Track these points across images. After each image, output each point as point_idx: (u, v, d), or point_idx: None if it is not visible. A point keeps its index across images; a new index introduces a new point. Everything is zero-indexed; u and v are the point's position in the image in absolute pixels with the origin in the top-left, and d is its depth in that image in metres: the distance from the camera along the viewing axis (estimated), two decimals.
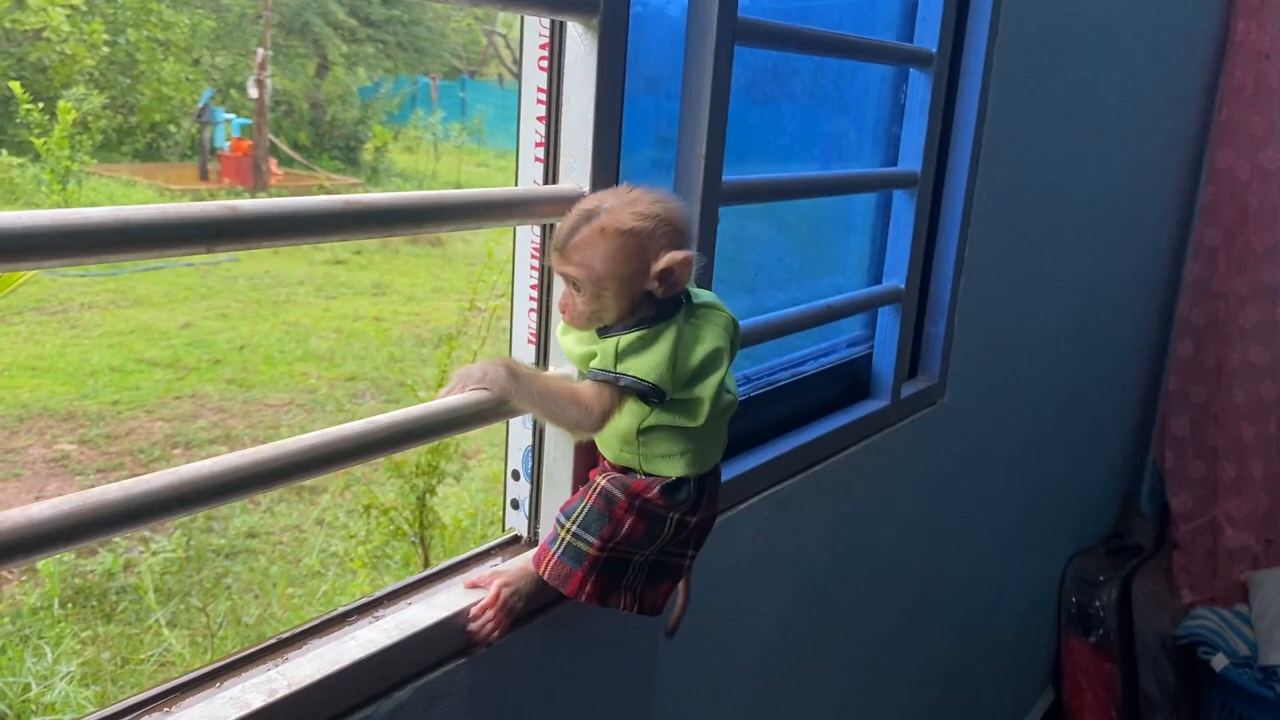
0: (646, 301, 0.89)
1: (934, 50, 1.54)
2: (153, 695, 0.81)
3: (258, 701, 0.79)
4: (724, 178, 1.16)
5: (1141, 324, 3.07)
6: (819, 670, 1.72)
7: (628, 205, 0.87)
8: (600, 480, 0.95)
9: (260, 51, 11.86)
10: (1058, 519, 2.83)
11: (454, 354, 3.45)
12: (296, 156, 12.72)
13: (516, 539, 1.12)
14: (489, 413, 0.91)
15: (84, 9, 10.77)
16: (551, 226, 1.01)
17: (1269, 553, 3.15)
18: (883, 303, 1.64)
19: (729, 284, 1.39)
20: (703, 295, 0.95)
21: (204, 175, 11.48)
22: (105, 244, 0.64)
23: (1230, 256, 3.03)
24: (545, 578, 0.95)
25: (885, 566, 1.85)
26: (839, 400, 1.64)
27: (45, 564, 3.55)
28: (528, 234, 1.03)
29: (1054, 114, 2.07)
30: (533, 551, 1.00)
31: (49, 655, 3.09)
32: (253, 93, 11.68)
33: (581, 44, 0.96)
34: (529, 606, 0.99)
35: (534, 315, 1.04)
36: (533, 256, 1.03)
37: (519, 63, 1.02)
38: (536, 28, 0.98)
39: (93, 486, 0.70)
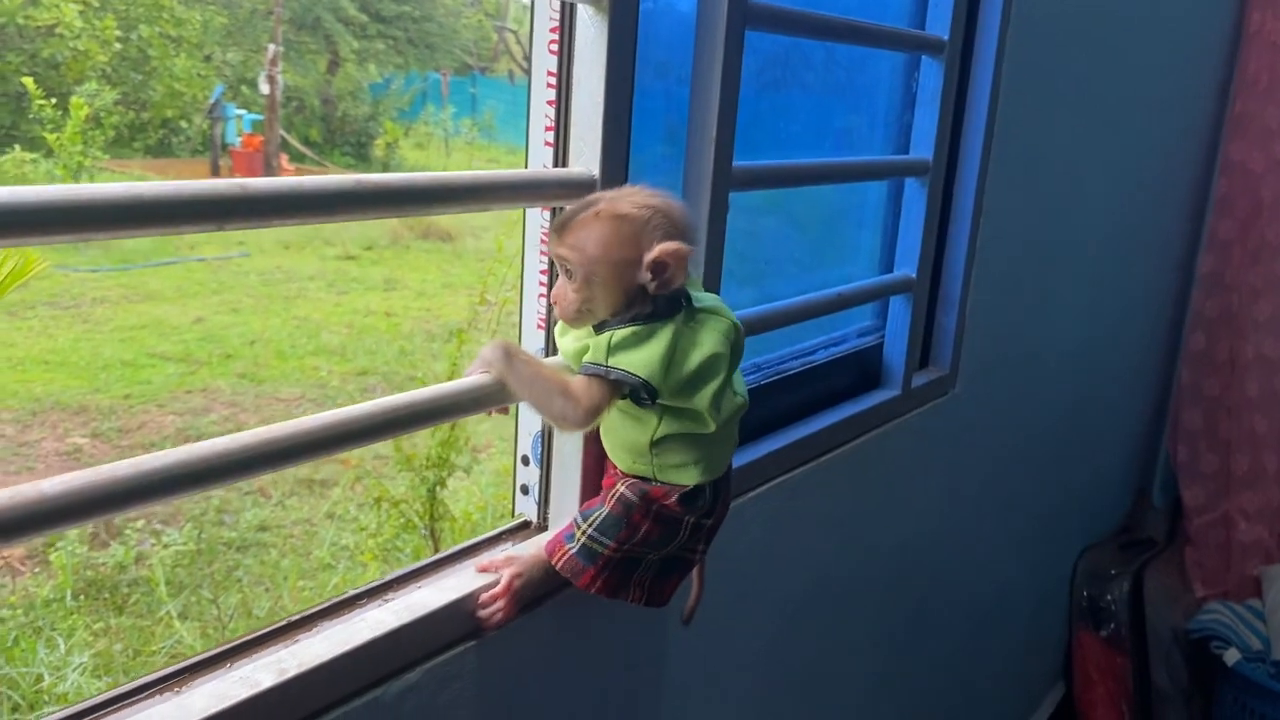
0: (641, 297, 0.87)
1: (946, 38, 1.53)
2: (164, 675, 0.81)
3: (268, 681, 0.79)
4: (735, 163, 1.16)
5: (1154, 316, 3.06)
6: (828, 660, 1.71)
7: (627, 195, 0.87)
8: (620, 487, 0.94)
9: (271, 47, 11.88)
10: (1069, 512, 2.82)
11: (464, 348, 3.46)
12: (308, 152, 12.76)
13: (526, 524, 1.12)
14: (489, 397, 0.91)
15: (96, 5, 10.82)
16: (561, 207, 1.01)
17: None
18: (894, 291, 1.63)
19: (739, 277, 1.39)
20: (705, 299, 0.93)
21: (215, 171, 11.53)
22: (118, 220, 0.64)
23: (1244, 249, 3.01)
24: (558, 568, 0.96)
25: (895, 557, 1.85)
26: (849, 390, 1.64)
27: (58, 556, 3.57)
28: (538, 218, 1.03)
29: (1066, 105, 2.06)
30: (546, 537, 1.00)
31: (61, 646, 3.11)
32: (264, 89, 11.72)
33: (592, 27, 0.96)
34: (537, 594, 0.99)
35: (543, 300, 1.04)
36: (542, 241, 1.02)
37: (529, 50, 1.02)
38: (547, 11, 0.97)
39: None
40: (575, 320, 0.89)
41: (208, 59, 12.69)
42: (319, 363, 6.04)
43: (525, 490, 1.12)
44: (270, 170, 11.26)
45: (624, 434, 0.94)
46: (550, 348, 1.04)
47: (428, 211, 0.81)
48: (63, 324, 6.25)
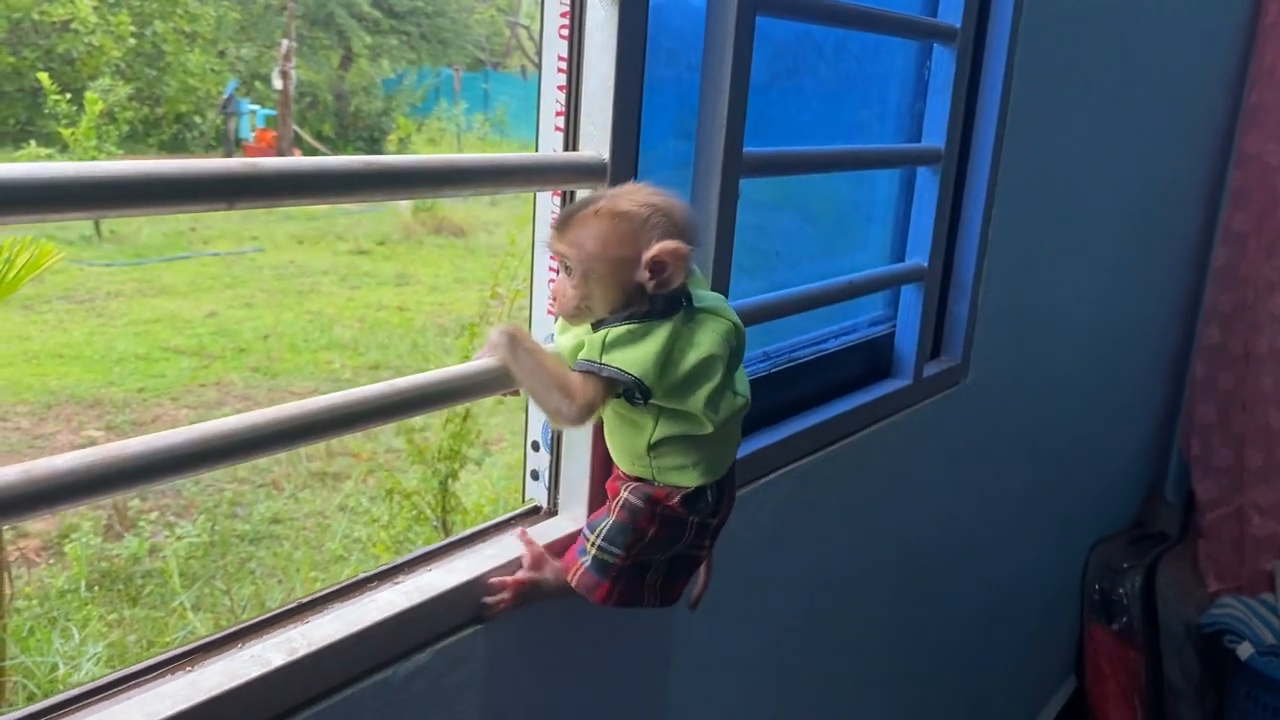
0: (639, 296, 0.86)
1: (958, 25, 1.53)
2: (176, 655, 0.81)
3: (278, 660, 0.80)
4: (745, 149, 1.15)
5: (1168, 309, 3.04)
6: (836, 650, 1.71)
7: (628, 194, 0.87)
8: (624, 493, 0.94)
9: (285, 43, 11.92)
10: (1081, 505, 2.81)
11: (475, 342, 3.47)
12: (321, 147, 12.79)
13: (536, 509, 1.12)
14: (494, 382, 0.91)
15: (111, 1, 10.86)
16: (571, 195, 1.01)
17: None
18: (905, 280, 1.63)
19: (750, 271, 1.39)
20: (707, 299, 0.92)
21: None
22: (128, 197, 0.64)
23: (1259, 242, 2.99)
24: (574, 586, 0.96)
25: (905, 547, 1.84)
26: (860, 379, 1.63)
27: (73, 547, 3.60)
28: (549, 205, 1.03)
29: (1080, 95, 2.05)
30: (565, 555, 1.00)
31: (76, 636, 3.13)
32: (277, 84, 11.75)
33: (602, 10, 0.96)
34: (542, 599, 1.00)
35: (552, 287, 1.03)
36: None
37: (540, 35, 1.02)
38: None
39: None
40: (573, 317, 0.89)
41: (221, 54, 12.73)
42: (332, 357, 6.06)
43: (535, 475, 1.13)
44: None
45: (621, 437, 0.93)
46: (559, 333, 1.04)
47: (436, 194, 0.81)
48: (77, 318, 6.28)
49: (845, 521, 1.60)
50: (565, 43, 0.98)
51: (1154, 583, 2.86)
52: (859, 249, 1.76)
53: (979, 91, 1.69)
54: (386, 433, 4.83)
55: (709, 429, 0.89)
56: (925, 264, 1.62)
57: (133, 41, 11.08)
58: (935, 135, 1.58)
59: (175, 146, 12.01)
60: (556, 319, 0.94)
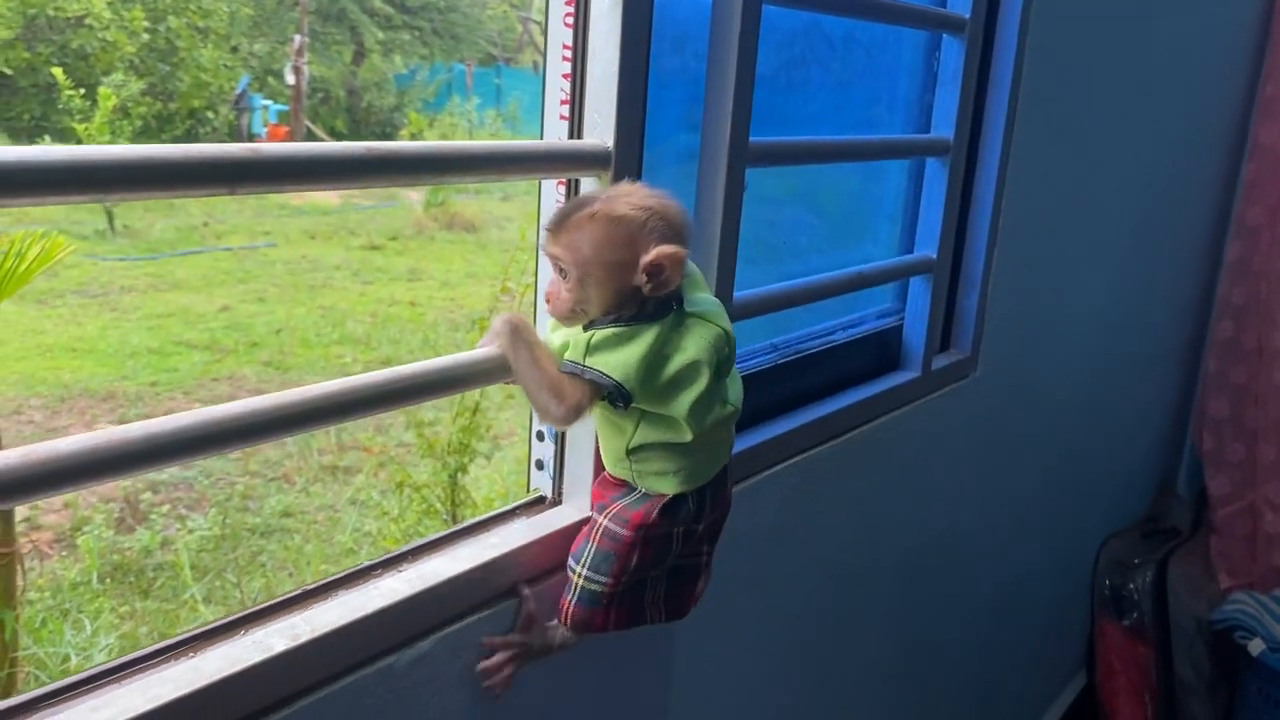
0: (633, 299, 0.85)
1: (967, 15, 1.52)
2: (178, 641, 0.82)
3: (280, 645, 0.80)
4: (752, 139, 1.15)
5: (1180, 303, 3.02)
6: (842, 645, 1.71)
7: (624, 196, 0.85)
8: (602, 520, 0.93)
9: (297, 38, 11.95)
10: (1092, 500, 2.80)
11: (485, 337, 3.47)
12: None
13: (541, 499, 1.12)
14: (496, 370, 0.91)
15: None
16: (576, 184, 1.01)
17: None
18: (914, 272, 1.62)
19: (758, 265, 1.38)
20: (699, 304, 0.89)
21: None
22: (130, 181, 0.64)
23: (1273, 235, 2.97)
24: (570, 628, 0.95)
25: (913, 541, 1.83)
26: (869, 371, 1.63)
27: (85, 540, 3.62)
28: (554, 195, 1.03)
29: (1090, 86, 2.03)
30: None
31: (88, 628, 3.16)
32: (290, 79, 11.79)
33: None
34: (539, 657, 1.00)
35: None
36: None
37: (546, 24, 1.01)
38: None
39: None
40: (568, 320, 0.88)
41: (234, 50, 12.75)
42: (343, 351, 6.07)
43: (540, 465, 1.13)
44: None
45: (605, 438, 0.93)
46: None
47: (439, 180, 0.81)
48: (91, 312, 6.31)
49: (852, 514, 1.59)
50: (570, 31, 0.98)
51: (1165, 578, 2.85)
52: (868, 243, 1.76)
53: (988, 82, 1.68)
54: (397, 427, 4.84)
55: (688, 437, 0.88)
56: (934, 256, 1.61)
57: (146, 37, 11.12)
58: (944, 126, 1.57)
59: (188, 141, 11.98)
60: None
